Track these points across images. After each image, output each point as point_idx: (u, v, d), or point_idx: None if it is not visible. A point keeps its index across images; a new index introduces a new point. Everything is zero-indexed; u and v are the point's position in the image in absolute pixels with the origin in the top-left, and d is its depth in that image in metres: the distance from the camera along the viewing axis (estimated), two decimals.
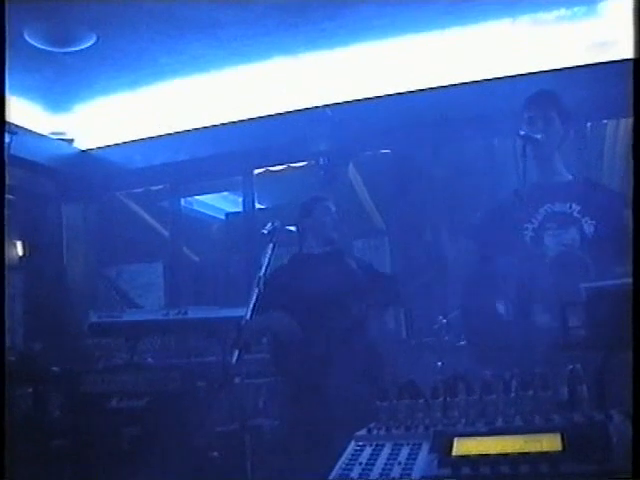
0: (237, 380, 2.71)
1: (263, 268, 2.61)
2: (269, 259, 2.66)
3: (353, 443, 1.54)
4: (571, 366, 1.53)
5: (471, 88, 4.54)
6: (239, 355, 2.39)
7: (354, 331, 3.22)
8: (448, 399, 1.58)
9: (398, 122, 4.63)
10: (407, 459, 1.44)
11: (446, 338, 3.62)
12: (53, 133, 5.41)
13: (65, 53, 4.39)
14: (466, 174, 4.69)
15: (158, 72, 4.82)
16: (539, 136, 2.51)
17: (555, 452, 1.33)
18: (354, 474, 1.43)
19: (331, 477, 1.44)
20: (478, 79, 4.54)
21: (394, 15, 4.21)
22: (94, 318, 3.50)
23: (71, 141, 5.54)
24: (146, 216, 6.30)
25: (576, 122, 3.02)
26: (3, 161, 2.87)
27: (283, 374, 3.44)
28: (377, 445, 1.51)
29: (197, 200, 6.47)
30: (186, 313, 3.40)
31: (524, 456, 1.34)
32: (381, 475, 1.41)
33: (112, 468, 3.12)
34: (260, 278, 2.57)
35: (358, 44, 4.54)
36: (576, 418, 1.44)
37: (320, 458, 1.66)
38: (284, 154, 5.16)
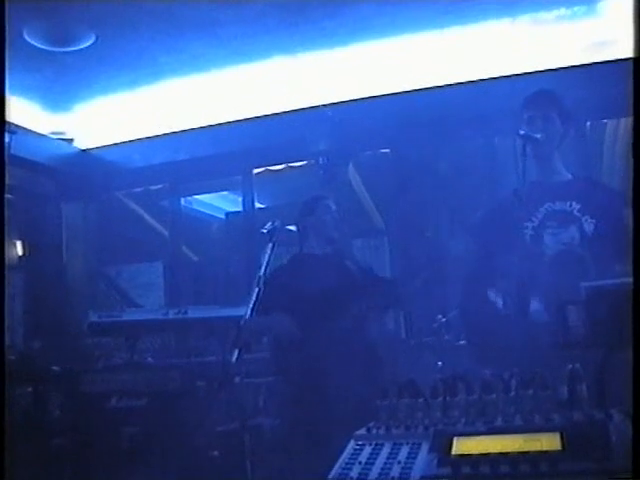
0: (237, 379, 2.70)
1: (263, 268, 2.62)
2: (269, 258, 2.66)
3: (353, 442, 1.54)
4: (571, 365, 1.53)
5: (471, 88, 4.54)
6: (239, 354, 2.39)
7: (354, 330, 3.22)
8: (448, 398, 1.58)
9: (398, 122, 4.63)
10: (407, 458, 1.43)
11: (446, 337, 3.63)
12: (53, 133, 5.41)
13: (65, 52, 4.39)
14: (466, 174, 4.70)
15: (158, 71, 4.82)
16: (539, 135, 2.51)
17: (555, 451, 1.33)
18: (353, 473, 1.43)
19: (331, 476, 1.44)
20: (478, 79, 4.54)
21: (394, 14, 4.21)
22: (94, 317, 3.50)
23: (71, 141, 5.54)
24: (146, 216, 6.29)
25: (576, 121, 3.01)
26: (3, 161, 2.88)
27: (283, 374, 3.43)
28: (377, 444, 1.51)
29: (197, 199, 6.46)
30: (186, 313, 3.40)
31: (524, 455, 1.33)
32: (380, 474, 1.41)
33: (112, 467, 3.12)
34: (260, 278, 2.58)
35: (358, 43, 4.54)
36: (576, 417, 1.44)
37: (320, 457, 1.66)
38: (284, 154, 5.16)
